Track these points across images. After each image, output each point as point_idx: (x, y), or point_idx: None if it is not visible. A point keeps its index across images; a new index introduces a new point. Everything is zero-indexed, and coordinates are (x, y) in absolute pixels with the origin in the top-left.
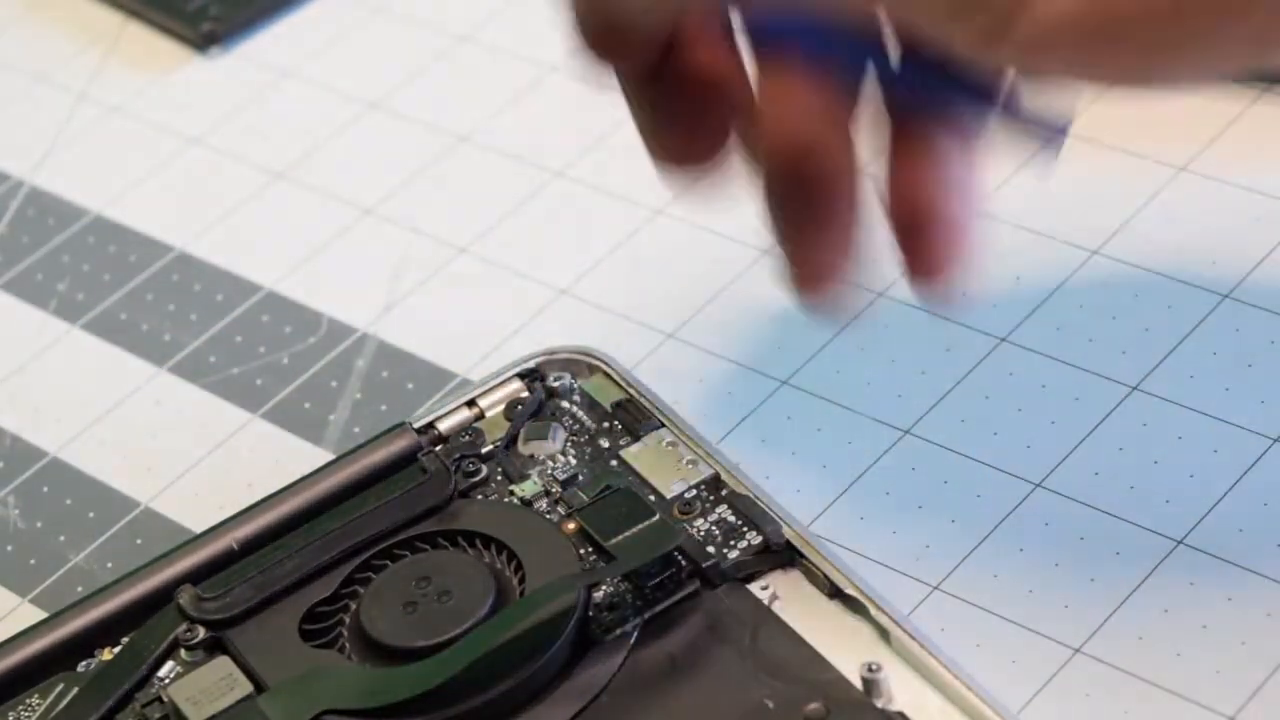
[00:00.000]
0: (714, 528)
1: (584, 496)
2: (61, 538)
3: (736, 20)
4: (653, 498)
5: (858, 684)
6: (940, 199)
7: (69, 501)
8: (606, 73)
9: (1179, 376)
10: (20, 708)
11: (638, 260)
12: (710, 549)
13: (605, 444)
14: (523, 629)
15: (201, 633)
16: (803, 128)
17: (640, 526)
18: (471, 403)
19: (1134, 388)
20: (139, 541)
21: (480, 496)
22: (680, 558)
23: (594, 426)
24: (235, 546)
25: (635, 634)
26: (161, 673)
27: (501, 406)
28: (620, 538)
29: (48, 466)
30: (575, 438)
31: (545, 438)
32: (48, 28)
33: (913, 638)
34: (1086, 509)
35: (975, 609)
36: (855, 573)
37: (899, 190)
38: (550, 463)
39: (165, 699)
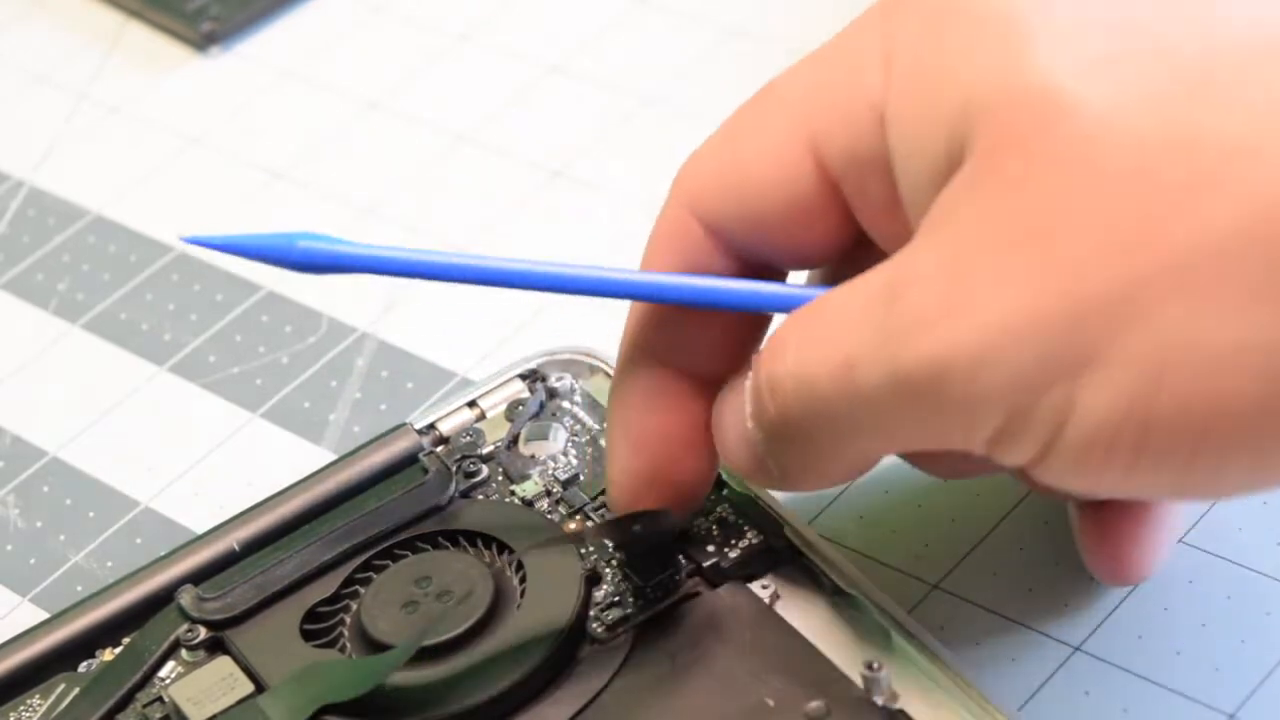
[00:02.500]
0: (714, 527)
1: (585, 496)
2: (61, 537)
3: None
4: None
5: (858, 683)
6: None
7: (69, 501)
8: None
9: None
10: (21, 708)
11: (638, 260)
12: (710, 548)
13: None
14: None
15: (202, 633)
16: None
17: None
18: (472, 403)
19: None
20: (139, 541)
21: (481, 497)
22: (680, 557)
23: (595, 427)
24: (236, 547)
25: (635, 634)
26: (162, 673)
27: (502, 407)
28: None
29: (47, 466)
30: (576, 438)
31: (546, 438)
32: (48, 28)
33: (913, 636)
34: None
35: (975, 607)
36: (855, 572)
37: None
38: (551, 463)
39: (166, 699)
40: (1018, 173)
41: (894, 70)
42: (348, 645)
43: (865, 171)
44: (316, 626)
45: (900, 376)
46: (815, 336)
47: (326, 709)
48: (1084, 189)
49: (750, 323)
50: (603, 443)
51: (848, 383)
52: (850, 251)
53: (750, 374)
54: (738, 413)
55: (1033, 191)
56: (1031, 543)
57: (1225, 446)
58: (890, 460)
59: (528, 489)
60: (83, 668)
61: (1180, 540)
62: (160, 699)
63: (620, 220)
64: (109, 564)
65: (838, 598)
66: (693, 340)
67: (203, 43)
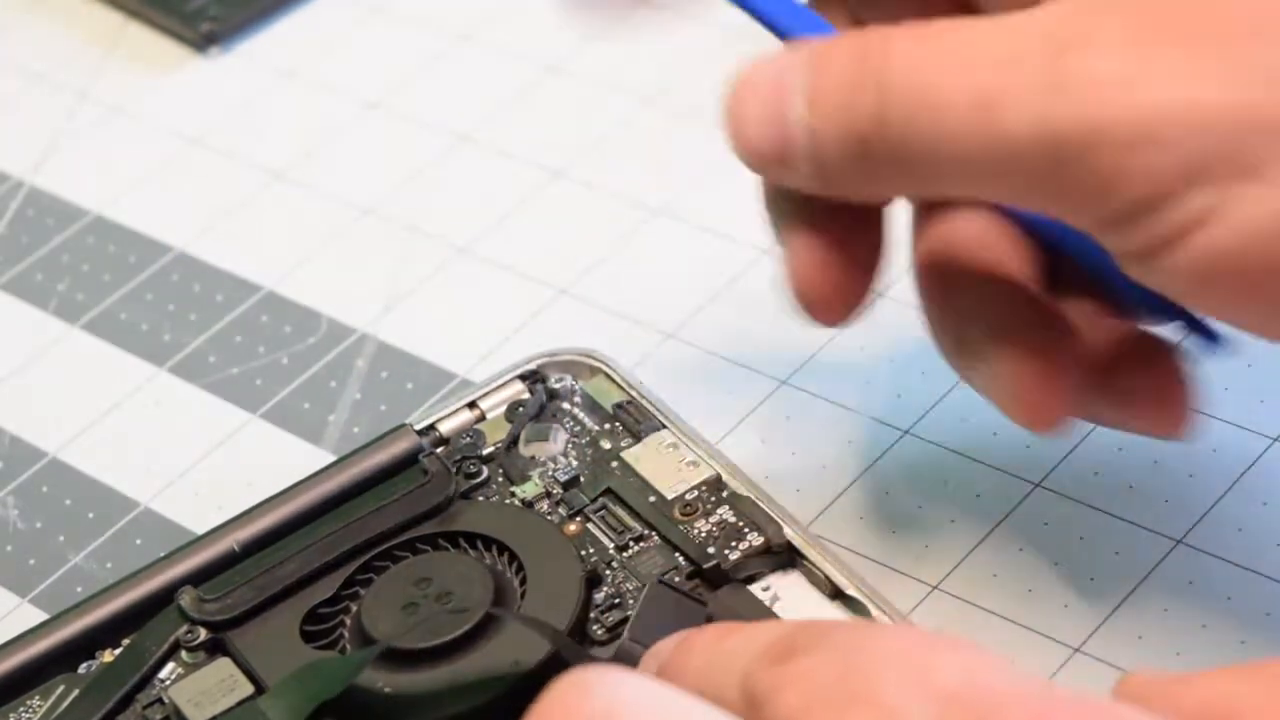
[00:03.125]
0: (715, 528)
1: (585, 497)
2: (61, 538)
3: None
4: (653, 499)
5: None
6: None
7: (69, 502)
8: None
9: None
10: (21, 709)
11: (638, 260)
12: (711, 550)
13: (606, 445)
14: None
15: (202, 634)
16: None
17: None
18: (472, 404)
19: None
20: (139, 542)
21: (481, 498)
22: (681, 560)
23: (595, 428)
24: (236, 548)
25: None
26: (162, 674)
27: (503, 408)
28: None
29: (47, 467)
30: (576, 439)
31: (546, 439)
32: (47, 28)
33: None
34: (1086, 509)
35: (975, 609)
36: (855, 573)
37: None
38: (551, 464)
39: (166, 700)
40: None
41: None
42: (348, 647)
43: None
44: (317, 628)
45: (1051, 129)
46: (949, 60)
47: (325, 711)
48: None
49: None
50: (604, 444)
51: (984, 119)
52: None
53: (808, 55)
54: (778, 86)
55: None
56: (1031, 544)
57: None
58: (890, 460)
59: (528, 490)
60: (83, 669)
61: (1181, 542)
62: (160, 700)
63: (620, 220)
64: (109, 565)
65: (838, 599)
66: None
67: (202, 43)
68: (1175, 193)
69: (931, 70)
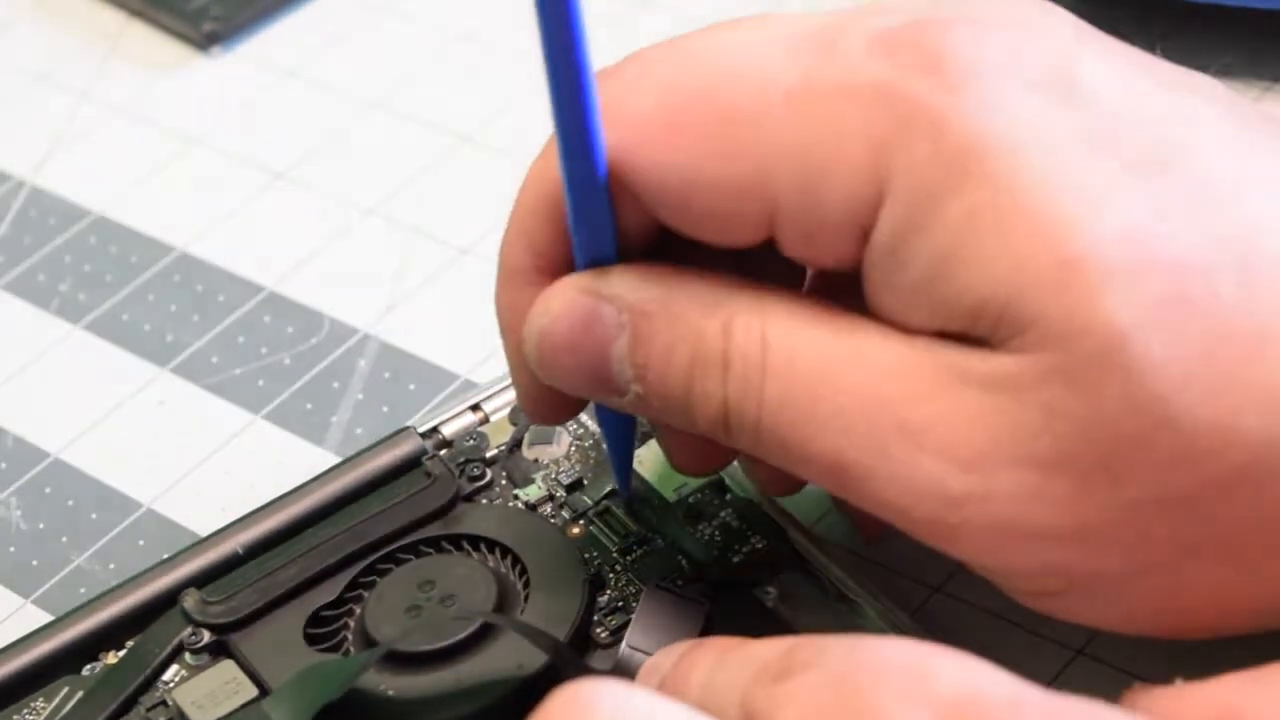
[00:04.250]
0: (717, 532)
1: (588, 500)
2: (64, 539)
3: None
4: (656, 503)
5: None
6: None
7: (71, 503)
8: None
9: None
10: (25, 711)
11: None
12: (714, 553)
13: None
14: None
15: (206, 636)
16: None
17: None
18: (476, 407)
19: None
20: (141, 543)
21: (484, 501)
22: (683, 563)
23: (599, 431)
24: (239, 551)
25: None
26: (166, 676)
27: (506, 411)
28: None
29: (50, 468)
30: (579, 442)
31: (550, 442)
32: (49, 27)
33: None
34: None
35: (978, 611)
36: (858, 575)
37: None
38: (554, 467)
39: (170, 703)
40: (1080, 409)
41: (892, 189)
42: (351, 649)
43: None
44: (320, 630)
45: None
46: None
47: (328, 714)
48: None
49: None
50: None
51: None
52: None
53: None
54: (590, 334)
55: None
56: None
57: None
58: None
59: (531, 493)
60: (86, 671)
61: None
62: (164, 702)
63: None
64: (111, 566)
65: (841, 603)
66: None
67: (204, 43)
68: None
69: None
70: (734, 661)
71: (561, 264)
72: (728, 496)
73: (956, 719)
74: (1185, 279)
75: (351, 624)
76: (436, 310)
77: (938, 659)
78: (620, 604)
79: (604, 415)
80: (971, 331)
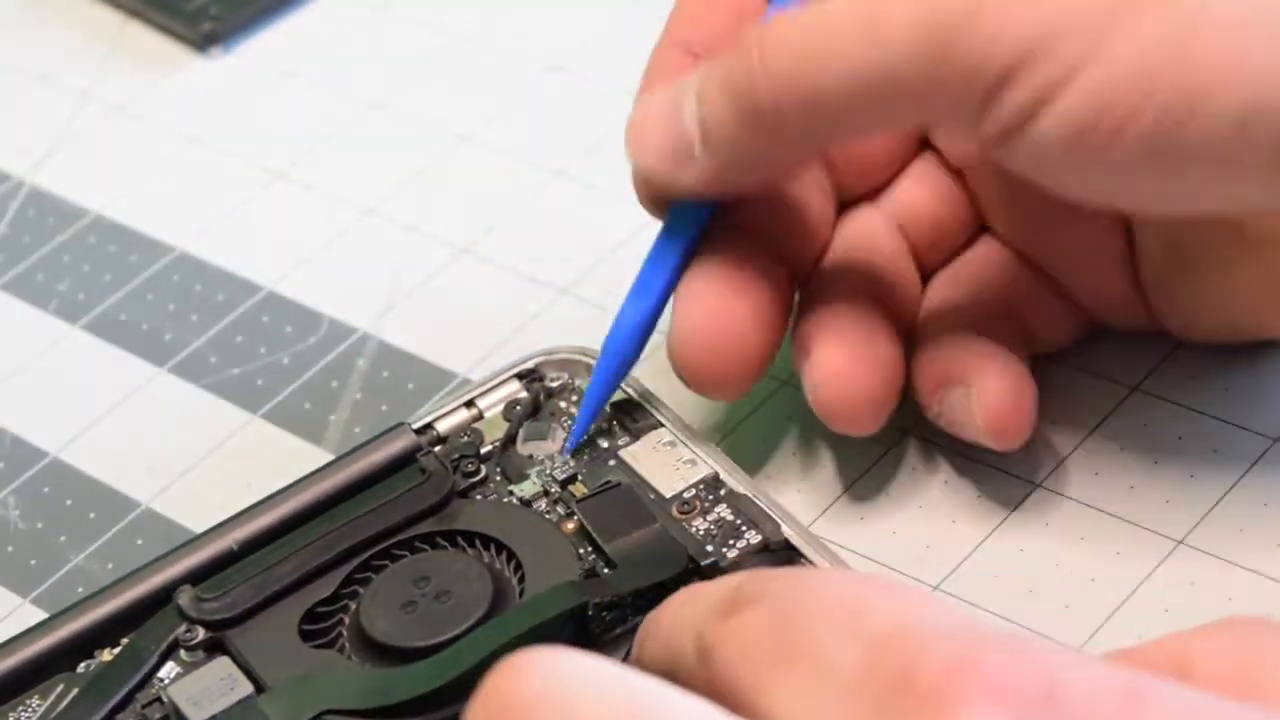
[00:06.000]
0: (713, 527)
1: (583, 491)
2: (62, 538)
3: None
4: (652, 497)
5: None
6: None
7: (69, 502)
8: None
9: (1179, 376)
10: (20, 708)
11: (637, 260)
12: (709, 548)
13: (604, 444)
14: (523, 631)
15: (201, 633)
16: None
17: (642, 533)
18: (470, 403)
19: (1134, 388)
20: (139, 542)
21: (479, 496)
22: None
23: (593, 426)
24: (235, 547)
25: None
26: (161, 673)
27: (500, 407)
28: (621, 542)
29: (48, 467)
30: None
31: (544, 438)
32: (48, 28)
33: None
34: (1086, 509)
35: (976, 609)
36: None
37: None
38: (549, 462)
39: (165, 699)
40: None
41: None
42: (346, 645)
43: None
44: (315, 627)
45: (930, 13)
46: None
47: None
48: None
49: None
50: (601, 443)
51: (872, 35)
52: None
53: (700, 66)
54: (673, 99)
55: None
56: (1032, 544)
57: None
58: (890, 460)
59: (526, 489)
60: (81, 668)
61: (1181, 542)
62: (159, 699)
63: (620, 221)
64: (110, 565)
65: None
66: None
67: (203, 43)
68: (1041, 52)
69: (818, 15)
70: (692, 599)
71: None
72: (723, 491)
73: (889, 652)
74: None
75: (347, 620)
76: (435, 310)
77: (875, 594)
78: (615, 599)
79: (602, 366)
80: None
